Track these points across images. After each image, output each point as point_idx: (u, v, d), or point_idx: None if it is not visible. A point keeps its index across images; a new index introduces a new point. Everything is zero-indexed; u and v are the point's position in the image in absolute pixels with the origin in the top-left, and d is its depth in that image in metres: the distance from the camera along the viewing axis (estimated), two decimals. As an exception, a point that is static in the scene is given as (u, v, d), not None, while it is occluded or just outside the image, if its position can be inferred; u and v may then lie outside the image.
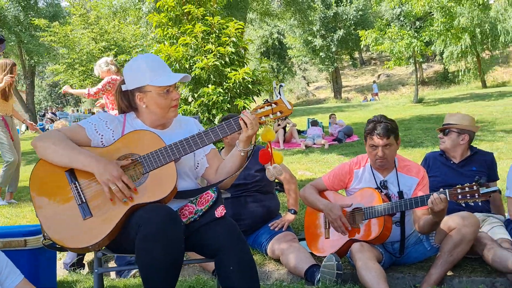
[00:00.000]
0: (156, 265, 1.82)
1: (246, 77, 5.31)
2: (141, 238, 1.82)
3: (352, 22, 30.66)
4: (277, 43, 34.52)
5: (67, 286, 2.93)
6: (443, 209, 2.61)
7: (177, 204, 2.08)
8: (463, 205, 2.61)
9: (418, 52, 20.37)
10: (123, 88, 2.15)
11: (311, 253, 3.20)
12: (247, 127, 2.03)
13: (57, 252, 3.16)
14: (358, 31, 21.24)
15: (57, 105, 32.87)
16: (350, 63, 38.82)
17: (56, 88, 28.29)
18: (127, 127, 2.14)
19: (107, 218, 1.89)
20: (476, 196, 2.54)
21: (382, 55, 33.16)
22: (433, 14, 20.60)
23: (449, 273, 2.95)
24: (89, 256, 3.77)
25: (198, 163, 2.24)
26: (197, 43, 5.47)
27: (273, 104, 2.08)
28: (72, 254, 3.59)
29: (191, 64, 5.46)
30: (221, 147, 4.79)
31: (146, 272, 1.85)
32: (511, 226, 3.18)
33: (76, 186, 1.94)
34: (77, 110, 33.05)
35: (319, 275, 2.86)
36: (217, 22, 5.51)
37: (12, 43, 27.02)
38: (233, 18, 5.67)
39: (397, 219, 2.96)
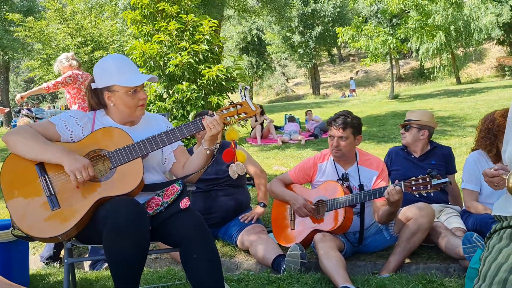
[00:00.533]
0: (123, 255, 1.92)
1: (219, 74, 5.40)
2: (108, 230, 1.92)
3: (330, 19, 30.96)
4: (256, 40, 34.58)
5: (40, 279, 3.00)
6: (398, 200, 2.78)
7: (144, 197, 2.19)
8: (417, 195, 2.77)
9: (394, 49, 20.75)
10: (93, 86, 2.24)
11: (279, 245, 3.35)
12: (209, 127, 2.15)
13: (30, 247, 3.23)
14: (335, 27, 21.52)
15: (33, 101, 32.38)
16: (329, 59, 39.15)
17: (32, 84, 27.83)
18: (96, 124, 2.24)
19: (74, 210, 1.99)
20: (429, 187, 2.71)
21: (361, 52, 33.60)
22: (408, 12, 20.96)
23: (407, 260, 3.13)
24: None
25: (165, 159, 2.35)
26: (171, 40, 5.54)
27: (238, 106, 2.21)
28: (49, 247, 3.65)
29: (166, 61, 5.52)
30: (194, 143, 4.90)
31: (113, 263, 1.95)
32: (466, 215, 3.37)
33: (45, 179, 2.03)
34: (54, 107, 32.63)
35: (285, 265, 3.00)
36: (191, 19, 5.58)
37: (-15, 38, 26.47)
38: (207, 16, 5.75)
39: (358, 210, 3.12)
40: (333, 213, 3.05)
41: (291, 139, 11.46)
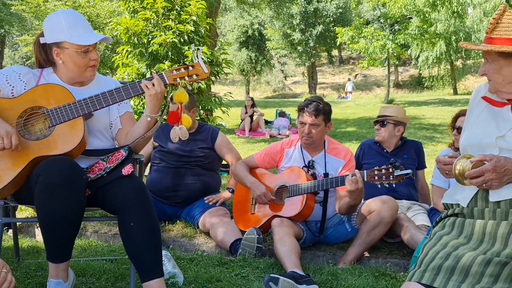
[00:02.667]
0: (54, 217, 1.83)
1: (203, 57, 5.30)
2: (40, 187, 1.82)
3: (332, 19, 30.84)
4: (257, 34, 34.40)
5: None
6: (357, 189, 2.69)
7: (88, 162, 2.09)
8: (379, 186, 2.70)
9: (393, 54, 20.70)
10: (41, 40, 2.14)
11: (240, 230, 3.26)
12: (147, 87, 2.05)
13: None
14: (336, 27, 21.45)
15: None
16: (328, 60, 39.10)
17: (28, 62, 27.58)
18: (41, 82, 2.13)
19: (9, 168, 1.89)
20: (391, 178, 2.64)
21: (361, 55, 33.60)
22: (411, 18, 20.91)
23: (367, 254, 3.06)
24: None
25: (111, 123, 2.25)
26: (157, 18, 5.44)
27: (189, 67, 2.11)
28: None
29: (150, 39, 5.43)
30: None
31: (43, 224, 1.86)
32: (432, 213, 3.31)
33: None
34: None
35: (240, 249, 2.92)
36: (179, -1, 5.50)
37: (-18, 10, 26.17)
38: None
39: (321, 199, 3.04)
40: (294, 200, 2.96)
41: (279, 134, 11.39)
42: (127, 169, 2.04)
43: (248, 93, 35.75)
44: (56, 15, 2.11)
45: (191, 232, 3.47)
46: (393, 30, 26.17)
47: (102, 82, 2.28)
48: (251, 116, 12.02)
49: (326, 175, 3.05)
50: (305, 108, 3.05)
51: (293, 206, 2.96)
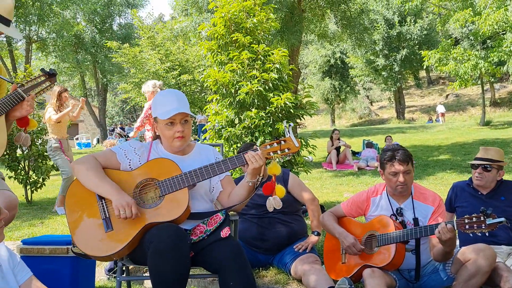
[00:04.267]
0: (164, 278, 2.08)
1: (287, 102, 5.53)
2: (152, 253, 2.09)
3: (417, 41, 29.98)
4: (339, 63, 34.42)
5: (105, 291, 3.27)
6: (450, 238, 2.66)
7: (191, 224, 2.35)
8: (471, 235, 2.65)
9: (486, 73, 19.55)
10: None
11: (331, 277, 3.33)
12: (251, 161, 2.27)
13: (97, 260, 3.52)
14: (421, 51, 20.77)
15: (127, 120, 34.95)
16: (415, 82, 37.82)
17: (126, 104, 30.23)
18: (152, 153, 2.47)
19: (125, 233, 2.19)
20: (483, 227, 2.58)
21: (451, 75, 32.12)
22: (504, 34, 19.71)
23: (465, 304, 2.96)
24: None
25: (213, 188, 2.52)
26: (243, 69, 5.78)
27: (281, 142, 2.31)
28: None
29: (237, 88, 5.77)
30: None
31: (155, 284, 2.11)
32: (536, 260, 3.13)
33: (102, 203, 2.26)
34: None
35: (333, 297, 2.99)
36: (262, 49, 5.80)
37: (88, 63, 29.19)
38: (279, 46, 5.93)
39: (413, 247, 3.03)
40: (384, 249, 2.99)
41: (367, 166, 11.24)
42: (225, 232, 2.26)
43: (333, 122, 35.60)
44: (156, 95, 2.48)
45: (284, 278, 3.60)
46: (485, 47, 24.75)
47: (202, 149, 2.57)
48: (338, 149, 12.00)
49: (415, 221, 3.05)
50: (395, 158, 3.06)
51: (383, 255, 2.99)
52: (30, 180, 7.73)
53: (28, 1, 23.81)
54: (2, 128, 2.46)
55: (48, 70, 2.70)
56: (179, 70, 16.08)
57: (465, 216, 2.66)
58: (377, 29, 29.07)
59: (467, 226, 2.63)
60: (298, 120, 6.11)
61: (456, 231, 2.71)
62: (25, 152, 7.66)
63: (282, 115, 5.70)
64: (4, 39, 25.40)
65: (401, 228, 2.98)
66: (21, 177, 7.63)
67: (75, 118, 7.05)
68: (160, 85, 6.74)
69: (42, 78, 2.66)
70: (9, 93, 2.51)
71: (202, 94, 16.97)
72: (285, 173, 3.87)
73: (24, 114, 2.52)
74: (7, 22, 2.44)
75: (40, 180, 7.76)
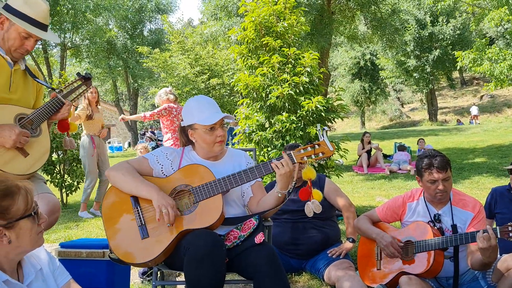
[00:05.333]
0: (201, 284, 2.08)
1: (319, 105, 5.48)
2: (188, 260, 2.10)
3: (449, 41, 29.30)
4: (369, 64, 34.00)
5: (139, 295, 3.30)
6: (491, 246, 2.56)
7: (225, 229, 2.35)
8: (515, 244, 2.55)
9: (524, 72, 18.90)
10: (182, 124, 2.50)
11: (365, 283, 3.27)
12: (277, 167, 2.26)
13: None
14: (455, 51, 20.26)
15: (158, 124, 35.59)
16: (448, 83, 36.95)
17: (156, 109, 30.87)
18: (184, 159, 2.48)
19: (160, 240, 2.21)
20: (528, 236, 2.48)
21: (486, 75, 31.22)
22: (542, 31, 19.03)
23: (507, 315, 2.85)
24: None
25: (244, 193, 2.51)
26: (273, 73, 5.77)
27: (316, 146, 2.29)
28: None
29: (267, 92, 5.76)
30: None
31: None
32: None
33: (137, 210, 2.29)
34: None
35: (368, 305, 2.93)
36: (293, 53, 5.78)
37: (120, 68, 29.83)
38: (309, 49, 5.89)
39: (451, 254, 2.94)
40: (422, 256, 2.91)
41: (399, 169, 11.03)
42: (258, 238, 2.24)
43: (363, 124, 35.17)
44: (189, 102, 2.48)
45: (317, 284, 3.56)
46: (522, 46, 23.95)
47: (234, 155, 2.56)
48: (369, 151, 11.82)
49: (454, 227, 2.95)
50: (433, 166, 2.97)
51: (421, 262, 2.91)
52: (65, 184, 7.93)
53: (63, 9, 24.56)
54: (46, 134, 2.54)
55: (83, 74, 2.77)
56: (208, 74, 16.20)
57: (509, 224, 2.56)
58: (408, 30, 28.55)
59: (511, 234, 2.53)
60: (329, 124, 6.05)
61: (496, 241, 2.61)
62: (60, 156, 7.87)
63: (313, 119, 5.65)
64: (40, 46, 26.29)
65: (439, 235, 2.90)
66: (56, 180, 7.84)
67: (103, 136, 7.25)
68: (170, 90, 6.95)
69: (79, 83, 2.75)
70: (50, 99, 2.59)
71: (231, 98, 17.05)
72: (321, 179, 3.84)
73: (60, 117, 2.60)
74: (44, 27, 2.51)
75: (75, 183, 7.95)
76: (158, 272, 2.46)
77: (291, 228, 3.68)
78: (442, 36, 29.57)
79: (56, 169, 7.94)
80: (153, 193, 2.26)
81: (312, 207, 2.30)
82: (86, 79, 2.78)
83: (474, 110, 29.17)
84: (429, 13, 29.72)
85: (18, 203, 1.65)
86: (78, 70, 29.29)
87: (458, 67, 21.74)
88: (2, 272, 1.66)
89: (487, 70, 18.20)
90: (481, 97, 36.18)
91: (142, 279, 3.71)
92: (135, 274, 3.86)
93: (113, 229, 2.29)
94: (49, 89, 2.80)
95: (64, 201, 8.08)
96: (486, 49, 18.60)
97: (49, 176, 7.85)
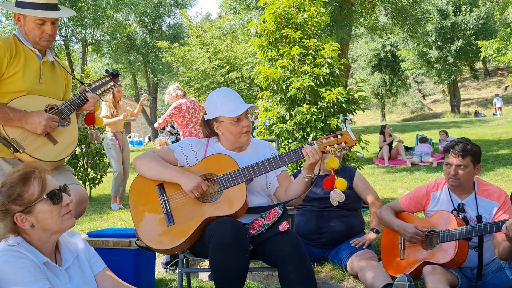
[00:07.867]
0: (225, 271, 2.13)
1: (339, 97, 5.45)
2: (213, 247, 2.14)
3: (473, 31, 28.67)
4: (390, 56, 33.53)
5: (164, 283, 3.37)
6: None
7: (249, 218, 2.38)
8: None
9: (550, 62, 18.43)
10: (205, 118, 2.53)
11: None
12: (308, 156, 2.26)
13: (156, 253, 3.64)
14: (478, 41, 19.88)
15: (178, 118, 35.84)
16: (471, 74, 36.21)
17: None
18: (209, 150, 2.52)
19: (186, 227, 2.25)
20: (557, 226, 2.44)
21: (510, 65, 30.46)
22: None
23: (533, 305, 2.83)
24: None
25: (270, 183, 2.54)
26: (293, 65, 5.76)
27: (338, 135, 2.30)
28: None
29: (288, 84, 5.75)
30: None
31: (216, 277, 2.16)
32: None
33: (163, 198, 2.33)
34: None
35: (391, 294, 2.93)
36: (313, 44, 5.76)
37: (139, 63, 30.14)
38: (329, 40, 5.86)
39: (475, 244, 2.91)
40: (446, 246, 2.89)
41: (421, 161, 10.90)
42: (283, 226, 2.27)
43: (384, 116, 34.79)
44: (212, 96, 2.51)
45: (339, 274, 3.56)
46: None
47: (258, 145, 2.60)
48: (390, 144, 11.71)
49: (479, 218, 2.93)
50: (451, 149, 2.98)
51: (445, 252, 2.89)
52: (89, 177, 8.08)
53: (83, 6, 24.92)
54: (75, 124, 2.62)
55: (111, 71, 2.85)
56: (227, 68, 16.25)
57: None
58: (430, 20, 28.01)
59: (537, 223, 2.50)
60: (350, 115, 6.02)
61: None
62: (83, 150, 8.03)
63: (334, 110, 5.63)
64: (62, 42, 26.72)
65: (463, 225, 2.88)
66: (80, 173, 8.00)
67: (136, 115, 7.38)
68: (178, 87, 7.15)
69: (107, 79, 2.83)
70: (78, 92, 2.67)
71: (250, 91, 17.07)
72: (351, 171, 3.85)
73: (87, 109, 2.67)
74: (55, 7, 2.55)
75: (98, 176, 8.10)
76: (184, 260, 2.50)
77: (316, 216, 3.69)
78: (465, 26, 28.95)
79: (79, 162, 8.10)
80: (178, 176, 2.32)
81: (335, 196, 2.31)
82: (114, 76, 2.89)
83: (498, 102, 28.55)
84: (451, 3, 29.14)
85: (32, 188, 1.70)
86: (98, 65, 29.71)
87: (481, 57, 21.33)
88: (42, 254, 1.73)
89: (511, 60, 17.82)
90: (506, 88, 35.38)
91: (166, 269, 3.78)
92: (158, 264, 3.93)
93: (139, 216, 2.35)
94: (79, 84, 2.89)
95: (88, 194, 8.25)
96: (510, 39, 18.20)
97: (73, 169, 8.00)
